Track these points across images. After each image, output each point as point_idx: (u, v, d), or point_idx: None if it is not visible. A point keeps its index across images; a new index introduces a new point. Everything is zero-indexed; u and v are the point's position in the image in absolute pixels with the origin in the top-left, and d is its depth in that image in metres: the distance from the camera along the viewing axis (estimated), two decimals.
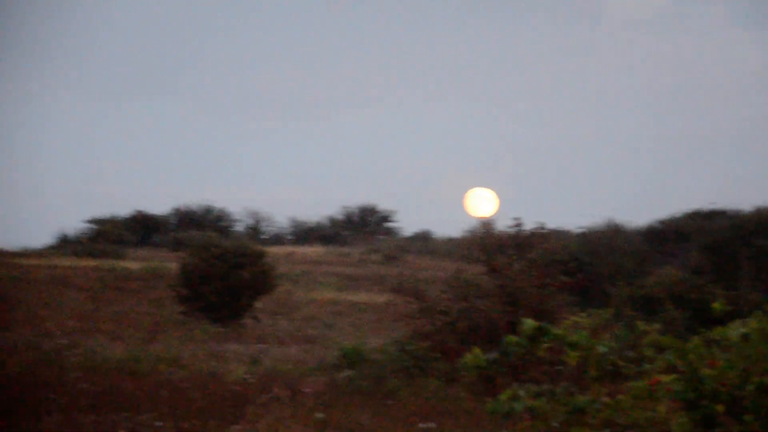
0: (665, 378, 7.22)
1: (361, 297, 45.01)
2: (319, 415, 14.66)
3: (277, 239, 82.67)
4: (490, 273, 21.35)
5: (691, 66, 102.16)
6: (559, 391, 7.16)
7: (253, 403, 15.58)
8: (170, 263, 45.19)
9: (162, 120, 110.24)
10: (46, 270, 46.52)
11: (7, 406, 14.56)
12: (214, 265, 34.78)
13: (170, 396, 16.09)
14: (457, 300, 21.20)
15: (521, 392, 7.15)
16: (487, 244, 21.69)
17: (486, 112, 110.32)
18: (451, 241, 67.78)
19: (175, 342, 26.29)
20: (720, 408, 7.11)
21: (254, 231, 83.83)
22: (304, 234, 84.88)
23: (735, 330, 7.26)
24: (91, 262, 51.78)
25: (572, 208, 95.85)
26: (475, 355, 7.31)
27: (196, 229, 72.82)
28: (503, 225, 22.25)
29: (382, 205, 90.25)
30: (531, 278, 20.98)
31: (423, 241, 78.86)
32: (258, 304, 36.55)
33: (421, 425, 14.65)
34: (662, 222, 60.26)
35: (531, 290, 20.85)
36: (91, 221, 73.96)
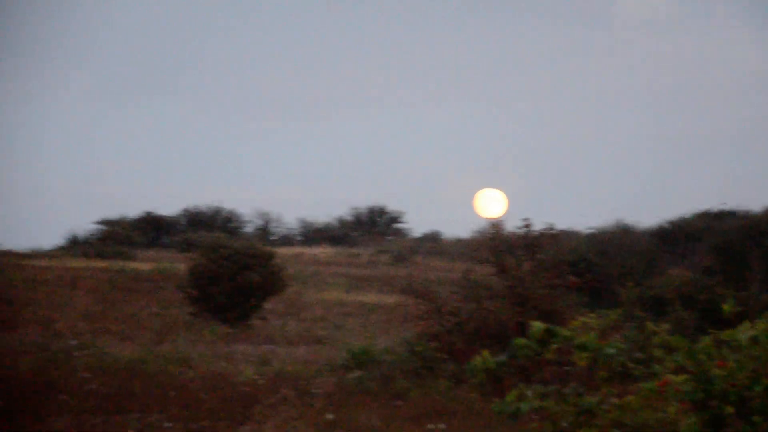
0: (675, 379, 7.21)
1: (370, 298, 45.02)
2: (328, 416, 14.67)
3: (286, 240, 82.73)
4: (499, 274, 21.33)
5: (693, 66, 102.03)
6: (568, 392, 7.15)
7: (262, 404, 15.59)
8: (179, 264, 45.25)
9: (163, 120, 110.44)
10: (55, 271, 46.60)
11: (17, 407, 14.59)
12: (223, 266, 34.81)
13: (179, 397, 16.10)
14: (466, 301, 21.19)
15: (528, 392, 7.14)
16: (496, 245, 21.67)
17: (493, 112, 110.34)
18: (460, 242, 67.78)
19: (185, 343, 26.33)
20: (729, 409, 7.10)
21: (263, 232, 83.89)
22: (313, 235, 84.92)
23: (744, 332, 7.25)
24: (101, 263, 51.86)
25: (581, 209, 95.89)
26: (483, 358, 7.30)
27: (206, 230, 72.91)
28: (512, 225, 22.24)
29: (391, 205, 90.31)
30: (540, 279, 20.96)
31: (432, 241, 78.88)
32: (267, 305, 36.58)
33: (430, 426, 14.65)
34: (671, 222, 60.18)
35: (540, 291, 20.83)
36: (100, 222, 74.12)
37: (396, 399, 17.30)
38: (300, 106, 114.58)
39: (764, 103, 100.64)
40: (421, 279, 36.15)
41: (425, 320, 21.34)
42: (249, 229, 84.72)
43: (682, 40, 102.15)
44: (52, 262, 51.24)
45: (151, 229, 79.00)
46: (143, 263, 53.17)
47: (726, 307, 7.69)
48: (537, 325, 7.36)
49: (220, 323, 33.48)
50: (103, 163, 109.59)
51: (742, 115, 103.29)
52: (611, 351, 7.35)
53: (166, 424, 14.19)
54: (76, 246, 66.02)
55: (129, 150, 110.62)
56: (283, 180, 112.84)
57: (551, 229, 22.17)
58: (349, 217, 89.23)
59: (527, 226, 22.02)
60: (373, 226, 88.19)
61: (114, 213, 77.65)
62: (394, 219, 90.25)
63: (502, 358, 7.31)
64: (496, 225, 22.19)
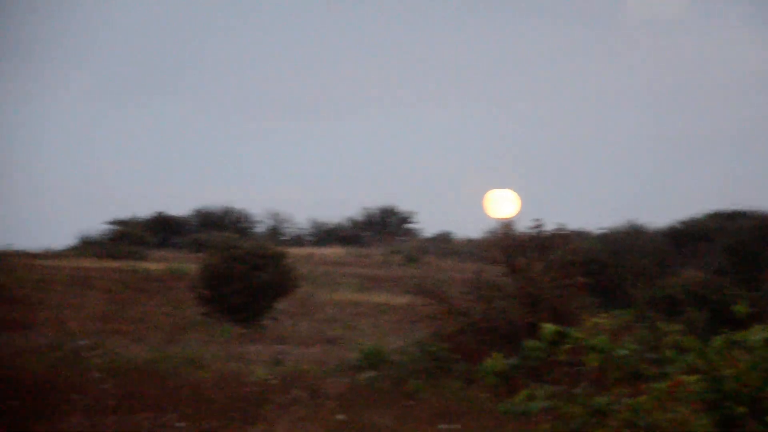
0: (687, 379, 7.21)
1: (382, 298, 45.03)
2: (340, 416, 14.68)
3: (297, 240, 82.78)
4: (511, 274, 21.32)
5: (699, 65, 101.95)
6: (578, 392, 7.15)
7: (274, 404, 15.61)
8: (191, 264, 45.32)
9: (165, 120, 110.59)
10: (67, 271, 46.71)
11: (30, 407, 14.64)
12: (234, 266, 34.86)
13: (191, 397, 16.13)
14: (477, 301, 21.19)
15: (538, 392, 7.15)
16: (508, 245, 21.66)
17: (503, 112, 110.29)
18: (471, 242, 67.74)
19: (196, 343, 26.38)
20: (741, 409, 7.10)
21: (274, 232, 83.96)
22: (324, 235, 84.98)
23: (757, 334, 7.24)
24: (113, 264, 51.96)
25: (592, 210, 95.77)
26: (495, 360, 7.31)
27: (217, 230, 72.99)
28: (524, 226, 22.23)
29: (402, 206, 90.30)
30: (551, 279, 20.94)
31: (443, 242, 78.85)
32: (279, 306, 36.62)
33: (442, 426, 14.65)
34: (683, 223, 60.09)
35: (552, 291, 20.82)
36: (111, 222, 74.25)
37: (408, 399, 17.31)
38: (306, 106, 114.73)
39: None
40: (432, 279, 36.14)
41: (437, 320, 21.34)
42: (260, 229, 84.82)
43: (691, 39, 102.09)
44: (64, 263, 51.36)
45: (163, 230, 79.12)
46: (155, 263, 53.25)
47: (738, 308, 7.68)
48: (548, 327, 7.36)
49: (232, 323, 33.54)
50: (109, 163, 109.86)
51: (742, 115, 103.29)
52: (623, 352, 7.35)
53: (178, 424, 14.23)
54: (87, 246, 66.15)
55: (133, 150, 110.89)
56: (291, 180, 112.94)
57: (562, 229, 22.16)
58: (360, 218, 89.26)
59: (538, 226, 22.01)
60: (385, 227, 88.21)
61: (119, 213, 77.91)
62: (405, 219, 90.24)
63: (514, 360, 7.31)
64: (507, 225, 22.18)
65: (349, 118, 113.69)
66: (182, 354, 22.16)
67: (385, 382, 18.85)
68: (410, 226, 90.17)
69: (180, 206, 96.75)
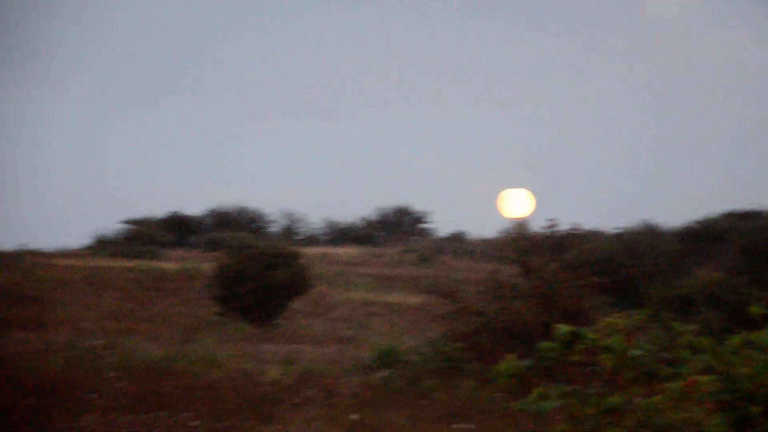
0: (701, 379, 7.21)
1: (396, 298, 45.04)
2: (354, 416, 14.70)
3: (311, 240, 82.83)
4: (525, 274, 21.31)
5: (706, 66, 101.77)
6: (592, 392, 7.16)
7: (288, 404, 15.64)
8: (205, 264, 45.40)
9: (172, 120, 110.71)
10: (82, 270, 46.85)
11: (46, 405, 14.70)
12: (249, 265, 34.93)
13: (206, 396, 16.17)
14: (491, 301, 21.18)
15: (551, 391, 7.15)
16: (522, 245, 21.66)
17: (517, 112, 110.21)
18: (485, 242, 67.68)
19: (211, 342, 26.42)
20: (756, 409, 7.10)
21: (288, 232, 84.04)
22: (339, 235, 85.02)
23: None
24: (128, 263, 52.09)
25: (607, 209, 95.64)
26: (509, 362, 7.31)
27: (231, 230, 73.08)
28: (538, 225, 22.22)
29: (416, 205, 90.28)
30: (566, 279, 20.92)
31: (457, 241, 78.81)
32: (293, 305, 36.68)
33: (456, 426, 14.66)
34: (698, 222, 59.95)
35: (566, 291, 20.80)
36: (126, 222, 74.43)
37: (422, 398, 17.32)
38: (312, 106, 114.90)
39: None
40: (446, 279, 36.15)
41: (451, 320, 21.35)
42: (274, 229, 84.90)
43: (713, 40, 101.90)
44: (80, 262, 51.51)
45: (177, 229, 79.27)
46: (169, 263, 53.36)
47: (753, 308, 7.67)
48: (562, 328, 7.36)
49: (246, 323, 33.60)
50: (120, 163, 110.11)
51: (742, 115, 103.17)
52: (637, 352, 7.35)
53: (193, 423, 14.27)
54: (103, 246, 66.32)
55: (137, 150, 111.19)
56: (303, 181, 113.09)
57: (577, 229, 22.14)
58: (374, 217, 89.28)
59: (553, 226, 22.00)
60: (399, 226, 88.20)
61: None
62: (420, 219, 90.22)
63: (528, 362, 7.32)
64: (521, 225, 22.18)
65: (361, 119, 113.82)
66: (197, 353, 22.21)
67: (399, 381, 18.86)
68: (424, 225, 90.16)
69: (184, 206, 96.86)
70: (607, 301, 22.16)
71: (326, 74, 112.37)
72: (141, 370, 18.76)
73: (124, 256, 57.14)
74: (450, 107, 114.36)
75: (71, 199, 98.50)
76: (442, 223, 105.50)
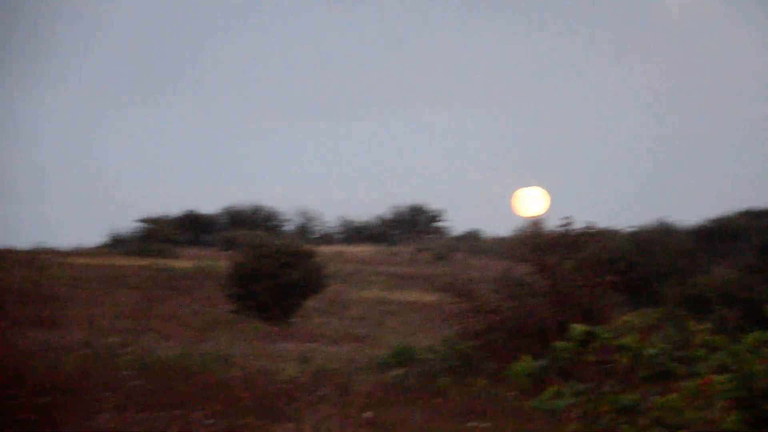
0: (717, 378, 7.19)
1: (411, 296, 45.04)
2: (368, 414, 14.71)
3: (327, 238, 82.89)
4: (540, 272, 21.28)
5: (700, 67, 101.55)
6: (607, 390, 7.15)
7: (303, 402, 15.66)
8: (220, 262, 45.48)
9: (174, 120, 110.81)
10: (98, 269, 46.98)
11: (61, 404, 14.74)
12: (264, 264, 34.98)
13: (220, 394, 16.20)
14: (506, 299, 21.16)
15: (565, 390, 7.14)
16: (537, 244, 21.63)
17: (532, 110, 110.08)
18: (500, 240, 67.64)
19: (226, 340, 26.46)
20: None
21: (303, 230, 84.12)
22: (354, 233, 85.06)
23: None
24: (143, 262, 52.23)
25: (622, 208, 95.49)
26: (524, 363, 7.31)
27: (246, 228, 73.19)
28: (553, 224, 22.18)
29: (431, 204, 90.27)
30: (581, 278, 20.89)
31: (472, 240, 78.79)
32: (308, 303, 36.72)
33: (470, 424, 14.66)
34: (713, 221, 59.80)
35: (581, 290, 20.77)
36: (142, 220, 74.61)
37: (436, 397, 17.32)
38: (320, 106, 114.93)
39: None
40: (461, 277, 36.13)
41: (465, 318, 21.33)
42: (289, 227, 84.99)
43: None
44: (95, 261, 51.66)
45: (192, 228, 79.42)
46: (184, 261, 53.48)
47: None
48: (577, 328, 7.35)
49: (261, 321, 33.64)
50: (120, 163, 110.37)
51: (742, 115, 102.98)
52: (652, 351, 7.34)
53: (208, 421, 14.30)
54: (118, 244, 66.51)
55: (140, 150, 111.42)
56: (304, 180, 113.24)
57: (592, 227, 22.10)
58: (389, 216, 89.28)
59: (568, 224, 21.96)
60: (414, 225, 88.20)
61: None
62: (434, 217, 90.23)
63: (543, 362, 7.31)
64: (536, 223, 22.14)
65: (378, 119, 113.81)
66: (212, 352, 22.25)
67: (413, 380, 18.87)
68: (439, 224, 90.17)
69: (183, 206, 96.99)
70: (621, 300, 22.11)
71: (326, 74, 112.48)
72: (156, 369, 18.81)
73: (139, 254, 57.29)
74: (461, 107, 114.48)
75: (71, 200, 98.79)
76: (456, 222, 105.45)
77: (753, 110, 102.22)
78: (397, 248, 71.41)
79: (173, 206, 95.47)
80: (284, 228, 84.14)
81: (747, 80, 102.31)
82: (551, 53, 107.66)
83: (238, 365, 20.60)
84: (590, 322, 18.53)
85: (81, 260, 51.15)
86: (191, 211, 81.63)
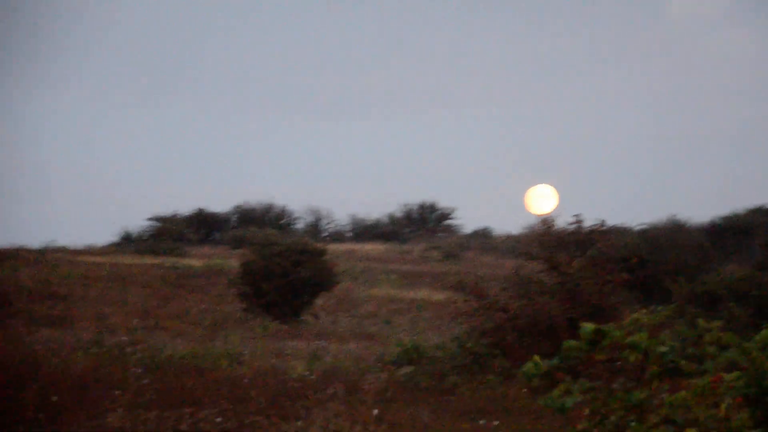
0: (727, 375, 7.17)
1: (421, 294, 45.02)
2: (377, 412, 14.71)
3: (337, 237, 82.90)
4: (550, 270, 21.26)
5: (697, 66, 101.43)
6: (617, 388, 7.14)
7: (313, 400, 15.67)
8: (231, 261, 45.52)
9: (178, 120, 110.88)
10: (109, 267, 47.05)
11: (72, 402, 14.77)
12: (274, 262, 34.98)
13: (231, 392, 16.22)
14: (516, 297, 21.14)
15: (575, 388, 7.13)
16: (548, 241, 21.60)
17: (543, 109, 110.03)
18: (511, 238, 67.58)
19: (236, 339, 26.49)
20: None
21: (314, 228, 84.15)
22: (364, 231, 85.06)
23: None
24: (153, 260, 52.29)
25: (633, 205, 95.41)
26: (534, 363, 7.30)
27: (257, 226, 73.22)
28: (563, 222, 22.16)
29: (441, 202, 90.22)
30: (591, 275, 20.86)
31: (483, 238, 78.72)
32: (319, 301, 36.73)
33: (480, 422, 14.66)
34: (724, 218, 59.70)
35: (591, 287, 20.74)
36: (152, 219, 74.70)
37: (446, 395, 17.32)
38: (330, 106, 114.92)
39: None
40: (471, 275, 36.10)
41: (476, 316, 21.31)
42: (300, 225, 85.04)
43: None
44: (106, 259, 51.75)
45: (203, 226, 79.50)
46: (195, 260, 53.55)
47: None
48: (587, 326, 7.34)
49: (272, 319, 33.66)
50: (119, 162, 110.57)
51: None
52: (662, 348, 7.32)
53: (218, 419, 14.32)
54: (128, 243, 66.60)
55: (141, 151, 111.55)
56: (305, 180, 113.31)
57: (602, 225, 22.07)
58: (399, 214, 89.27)
59: (578, 222, 21.93)
60: (424, 223, 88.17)
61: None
62: (445, 215, 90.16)
63: (554, 361, 7.30)
64: (547, 221, 22.12)
65: (380, 118, 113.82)
66: (222, 350, 22.28)
67: (423, 378, 18.86)
68: (450, 222, 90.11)
69: (184, 205, 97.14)
70: (632, 297, 22.09)
71: (326, 74, 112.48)
72: (166, 367, 18.83)
73: (149, 253, 57.36)
74: (462, 107, 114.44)
75: (70, 199, 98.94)
76: (467, 220, 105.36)
77: (753, 110, 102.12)
78: (408, 246, 71.39)
79: (174, 206, 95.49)
80: (295, 226, 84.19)
81: (747, 80, 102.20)
82: (551, 53, 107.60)
83: (248, 363, 20.62)
84: (600, 319, 18.51)
85: (91, 259, 51.24)
86: (201, 209, 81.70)
